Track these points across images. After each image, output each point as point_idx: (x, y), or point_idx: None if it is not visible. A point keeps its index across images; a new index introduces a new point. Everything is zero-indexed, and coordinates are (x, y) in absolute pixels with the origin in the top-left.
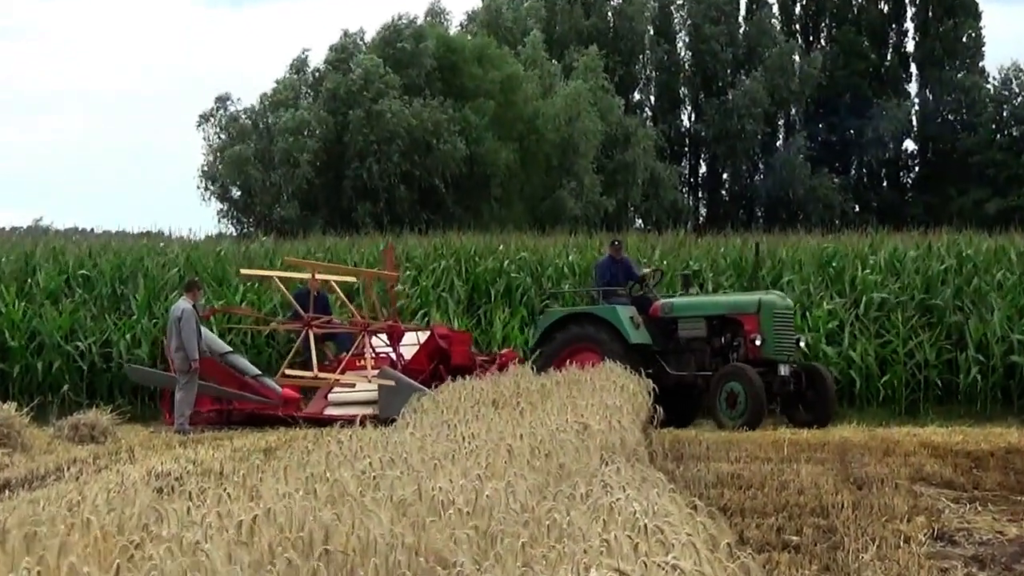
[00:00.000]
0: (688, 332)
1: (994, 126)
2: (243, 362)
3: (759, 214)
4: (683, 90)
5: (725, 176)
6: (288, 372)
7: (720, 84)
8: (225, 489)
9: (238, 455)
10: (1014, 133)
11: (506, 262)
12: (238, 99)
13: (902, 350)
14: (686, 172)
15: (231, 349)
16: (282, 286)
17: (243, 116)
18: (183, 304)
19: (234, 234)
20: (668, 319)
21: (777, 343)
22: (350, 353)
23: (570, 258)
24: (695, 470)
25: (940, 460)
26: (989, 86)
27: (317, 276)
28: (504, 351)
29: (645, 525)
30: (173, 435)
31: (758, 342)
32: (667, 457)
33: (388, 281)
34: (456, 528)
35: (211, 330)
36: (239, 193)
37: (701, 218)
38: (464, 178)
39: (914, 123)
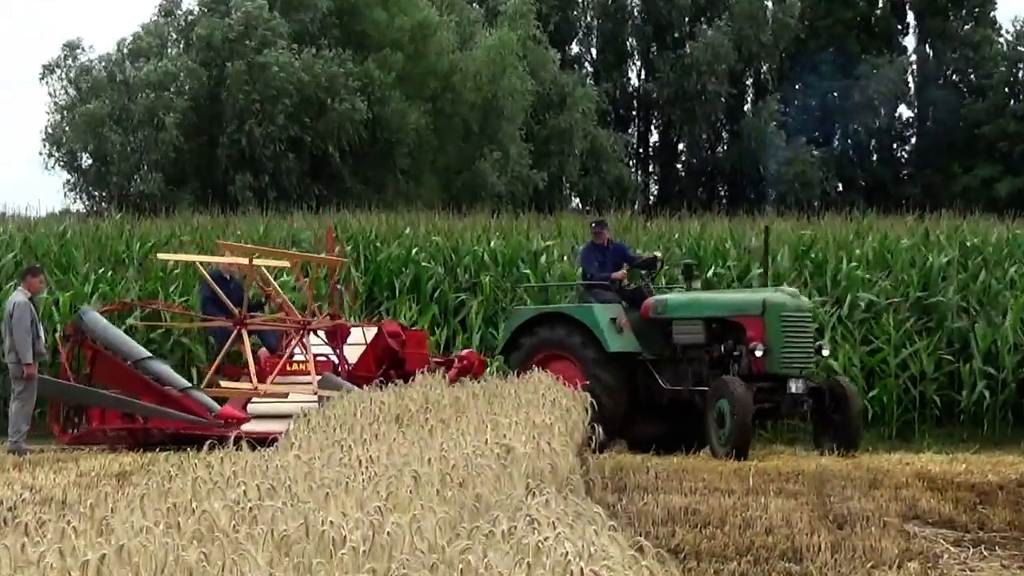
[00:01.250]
0: (684, 337)
1: (1007, 90)
2: (167, 371)
3: (722, 193)
4: (631, 42)
5: (681, 147)
6: (225, 384)
7: (676, 35)
8: (69, 522)
9: (85, 480)
10: None
11: (414, 249)
12: (91, 46)
13: (894, 360)
14: (634, 141)
15: (149, 355)
16: (206, 274)
17: (97, 67)
18: (17, 296)
19: (83, 211)
20: (662, 320)
21: (787, 353)
22: (286, 356)
23: (492, 244)
24: (641, 503)
25: (938, 494)
26: (1001, 41)
27: (232, 262)
28: (464, 352)
29: (580, 570)
30: (6, 455)
31: (759, 352)
32: (607, 487)
33: (332, 268)
34: (350, 571)
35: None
36: (91, 161)
37: (651, 197)
38: (365, 146)
39: (910, 85)
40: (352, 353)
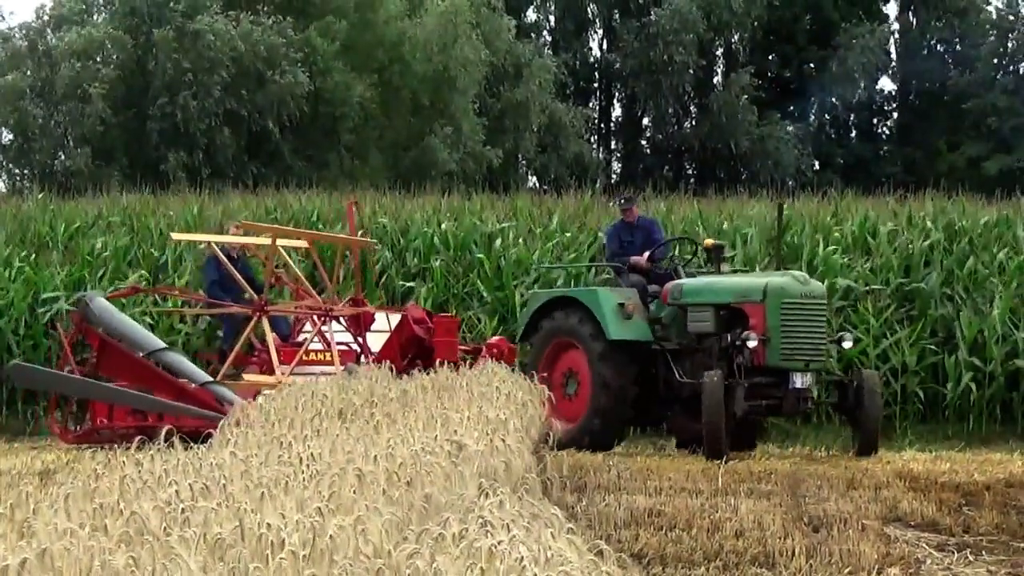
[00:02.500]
0: (697, 325)
1: (996, 61)
2: (184, 363)
3: (690, 171)
4: (592, 8)
5: (646, 122)
6: (249, 376)
7: (641, 2)
8: None
9: (5, 480)
10: (1022, 71)
11: (360, 231)
12: (11, 13)
13: (873, 351)
14: (595, 116)
15: (165, 345)
16: (219, 254)
17: (16, 36)
18: None
19: (4, 190)
20: (680, 307)
21: (788, 344)
22: (305, 345)
23: (443, 227)
24: (602, 504)
25: (921, 495)
26: (990, 8)
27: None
28: (493, 339)
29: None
30: None
31: (751, 343)
32: (566, 487)
33: (357, 249)
34: None
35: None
36: (11, 136)
37: (614, 176)
38: (306, 120)
39: (892, 56)
40: (375, 341)
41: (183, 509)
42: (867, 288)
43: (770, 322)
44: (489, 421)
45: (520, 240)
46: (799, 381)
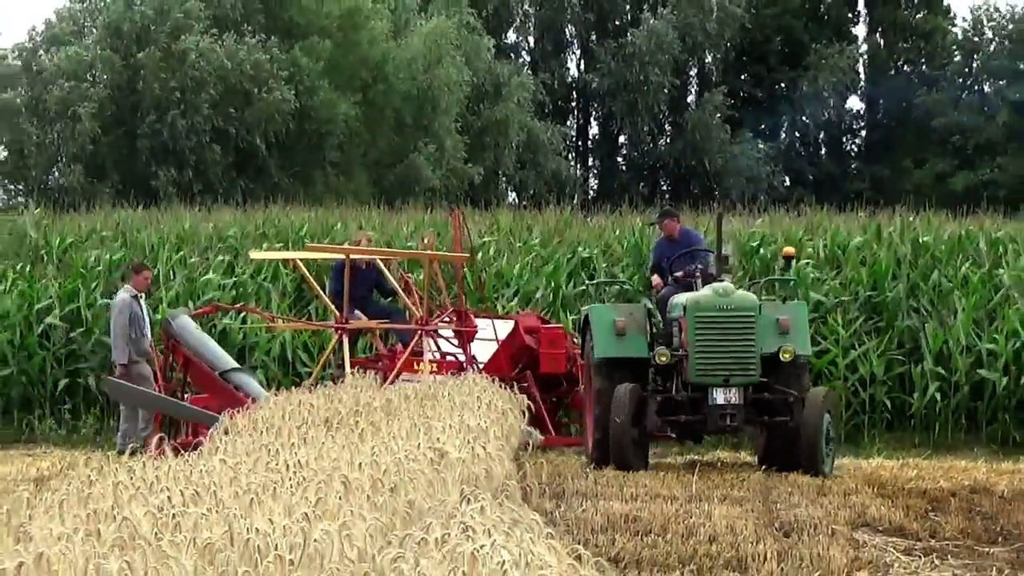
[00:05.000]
0: (675, 340)
1: (960, 80)
2: (251, 383)
3: (664, 187)
4: (570, 29)
5: (622, 140)
6: None
7: (617, 23)
8: None
9: (1, 486)
10: (986, 90)
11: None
12: (0, 34)
13: (842, 361)
14: (573, 134)
15: (236, 365)
16: (305, 271)
17: (11, 56)
18: (121, 295)
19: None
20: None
21: (704, 359)
22: (405, 355)
23: (426, 241)
24: (580, 510)
25: (889, 501)
26: (955, 30)
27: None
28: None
29: None
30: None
31: (661, 358)
32: (545, 494)
33: (459, 263)
34: None
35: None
36: (6, 153)
37: (591, 192)
38: (292, 137)
39: (861, 76)
40: (482, 350)
41: (174, 515)
42: (836, 301)
43: (688, 337)
44: (470, 429)
45: (501, 254)
46: (719, 397)
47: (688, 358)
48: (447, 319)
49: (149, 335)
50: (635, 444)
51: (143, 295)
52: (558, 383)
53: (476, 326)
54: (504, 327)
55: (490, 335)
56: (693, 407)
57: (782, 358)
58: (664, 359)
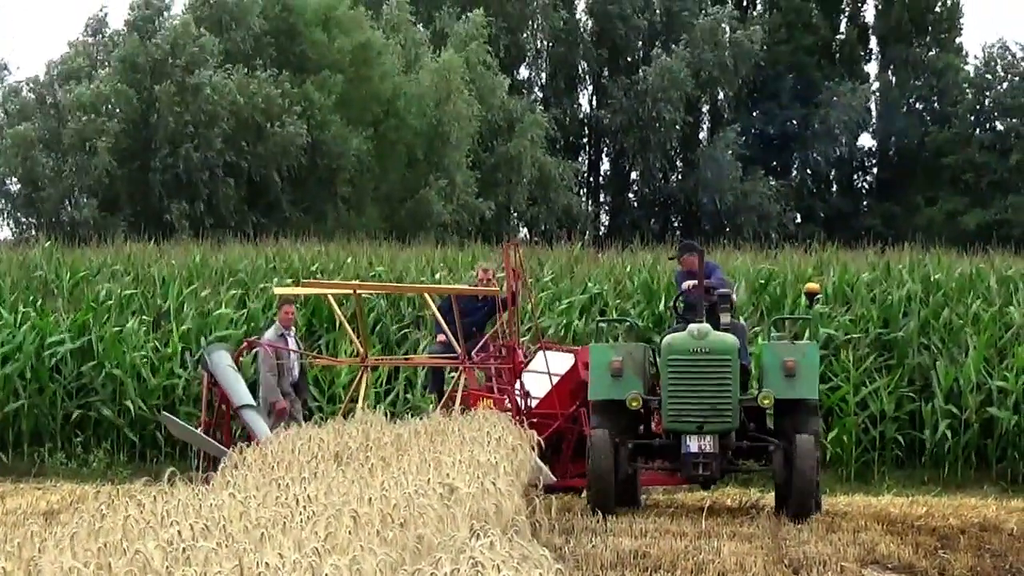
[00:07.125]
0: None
1: (972, 118)
2: (256, 421)
3: (676, 224)
4: (583, 66)
5: (634, 176)
6: None
7: (630, 60)
8: None
9: (12, 519)
10: (998, 128)
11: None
12: (18, 67)
13: (853, 398)
14: (584, 170)
15: (250, 403)
16: (336, 307)
17: (26, 89)
18: (268, 333)
19: (11, 238)
20: None
21: (676, 404)
22: (449, 391)
23: (437, 276)
24: (589, 546)
25: (898, 538)
26: (968, 68)
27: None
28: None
29: None
30: None
31: (633, 404)
32: (554, 529)
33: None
34: None
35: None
36: (20, 186)
37: (602, 228)
38: (304, 172)
39: (873, 113)
40: (534, 383)
41: (184, 549)
42: (847, 337)
43: (662, 380)
44: (480, 465)
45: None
46: (693, 445)
47: (662, 403)
48: (495, 354)
49: (295, 372)
50: (619, 487)
51: (290, 331)
52: None
53: (522, 361)
54: (557, 360)
55: (540, 367)
56: (669, 454)
57: (761, 404)
58: (636, 404)
